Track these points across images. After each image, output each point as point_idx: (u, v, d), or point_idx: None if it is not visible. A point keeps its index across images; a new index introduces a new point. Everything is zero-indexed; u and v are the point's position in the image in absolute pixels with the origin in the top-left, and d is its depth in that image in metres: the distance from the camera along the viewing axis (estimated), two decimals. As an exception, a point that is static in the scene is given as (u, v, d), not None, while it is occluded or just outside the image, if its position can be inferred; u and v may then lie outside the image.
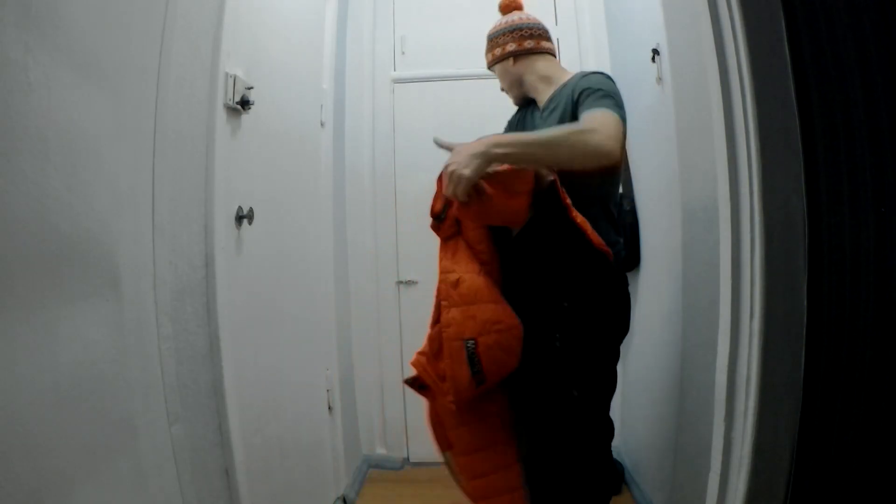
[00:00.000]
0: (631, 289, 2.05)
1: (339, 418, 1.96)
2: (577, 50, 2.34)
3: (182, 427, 0.99)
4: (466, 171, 1.02)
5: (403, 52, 2.38)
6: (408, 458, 2.32)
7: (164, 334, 0.96)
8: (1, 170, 0.64)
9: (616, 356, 1.25)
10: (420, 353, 1.18)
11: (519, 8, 1.44)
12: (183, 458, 0.98)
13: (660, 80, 1.61)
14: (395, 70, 2.38)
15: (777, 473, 0.94)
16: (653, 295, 1.81)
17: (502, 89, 1.48)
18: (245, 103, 1.27)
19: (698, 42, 1.12)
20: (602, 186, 1.27)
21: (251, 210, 1.30)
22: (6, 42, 0.65)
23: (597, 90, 1.19)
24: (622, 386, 2.22)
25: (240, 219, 1.27)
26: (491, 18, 2.34)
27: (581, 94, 1.21)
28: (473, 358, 1.06)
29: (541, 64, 1.37)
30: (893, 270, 0.87)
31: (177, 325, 1.01)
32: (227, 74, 1.19)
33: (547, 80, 1.36)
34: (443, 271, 1.15)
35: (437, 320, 1.18)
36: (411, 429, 2.29)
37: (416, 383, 1.21)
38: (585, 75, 1.28)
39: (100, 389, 0.80)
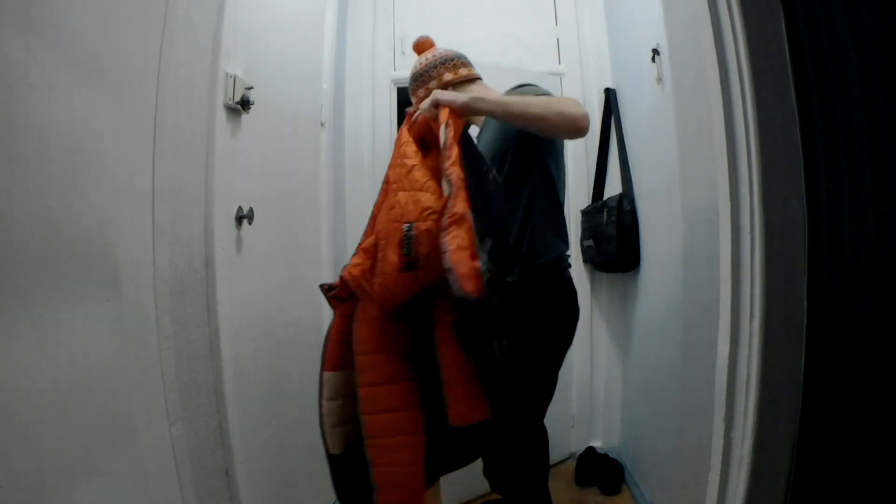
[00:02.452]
0: (631, 289, 2.08)
1: (339, 418, 1.95)
2: (577, 50, 2.34)
3: (182, 427, 0.99)
4: (443, 97, 1.11)
5: (403, 53, 2.38)
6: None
7: (164, 334, 0.96)
8: (1, 170, 0.64)
9: (556, 362, 1.30)
10: (354, 266, 1.13)
11: (433, 45, 1.44)
12: (183, 458, 0.98)
13: (660, 80, 1.61)
14: (395, 70, 2.38)
15: (777, 473, 0.94)
16: (653, 295, 1.81)
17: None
18: (245, 103, 1.27)
19: (698, 42, 1.12)
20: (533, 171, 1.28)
21: (251, 210, 1.30)
22: (6, 42, 0.65)
23: (535, 87, 1.29)
24: (623, 386, 2.22)
25: (240, 219, 1.27)
26: (491, 18, 2.37)
27: (522, 90, 1.29)
28: (410, 242, 1.04)
29: (474, 88, 1.38)
30: (893, 270, 0.87)
31: (177, 325, 1.01)
32: (227, 74, 1.20)
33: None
34: (400, 156, 1.13)
35: (373, 230, 1.14)
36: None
37: (331, 292, 1.18)
38: (517, 87, 1.36)
39: (100, 389, 0.80)
